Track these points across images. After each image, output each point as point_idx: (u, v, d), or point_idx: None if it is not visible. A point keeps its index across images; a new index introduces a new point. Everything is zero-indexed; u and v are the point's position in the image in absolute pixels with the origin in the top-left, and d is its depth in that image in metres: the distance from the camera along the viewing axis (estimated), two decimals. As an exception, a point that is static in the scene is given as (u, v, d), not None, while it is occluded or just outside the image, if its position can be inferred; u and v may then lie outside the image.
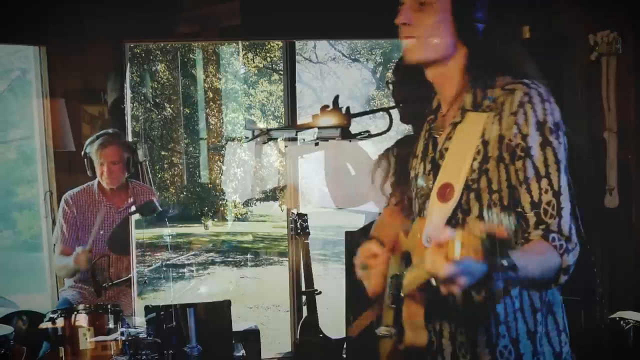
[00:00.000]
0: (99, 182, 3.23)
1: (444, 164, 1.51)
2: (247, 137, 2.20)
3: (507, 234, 1.13)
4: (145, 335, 2.48)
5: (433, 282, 1.22)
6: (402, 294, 1.51)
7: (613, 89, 3.53)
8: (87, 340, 2.55)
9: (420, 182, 1.59)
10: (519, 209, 1.42)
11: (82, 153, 3.18)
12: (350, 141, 2.25)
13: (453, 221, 1.48)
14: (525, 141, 1.41)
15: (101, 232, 3.19)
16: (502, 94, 1.46)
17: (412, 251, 1.50)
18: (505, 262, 1.16)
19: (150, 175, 3.40)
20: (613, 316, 2.91)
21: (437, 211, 1.47)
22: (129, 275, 3.09)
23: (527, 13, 3.61)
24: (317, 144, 2.23)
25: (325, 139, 2.15)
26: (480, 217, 1.47)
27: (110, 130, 3.25)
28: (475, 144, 1.45)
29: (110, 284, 2.95)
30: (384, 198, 1.82)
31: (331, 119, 2.08)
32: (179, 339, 2.50)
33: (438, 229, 1.42)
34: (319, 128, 2.10)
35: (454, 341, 1.52)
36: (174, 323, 2.50)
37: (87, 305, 2.68)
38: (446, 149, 1.52)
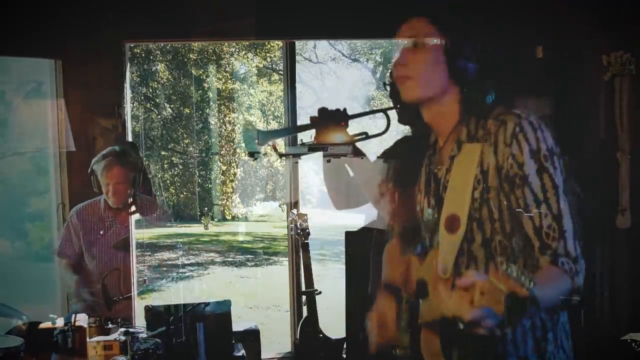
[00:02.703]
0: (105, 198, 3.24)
1: (447, 196, 1.55)
2: (259, 153, 2.18)
3: (527, 293, 1.15)
4: (152, 342, 2.47)
5: (460, 325, 1.24)
6: (419, 322, 1.55)
7: (626, 109, 3.52)
8: (91, 345, 2.54)
9: (427, 215, 1.63)
10: (523, 234, 1.45)
11: (89, 170, 3.18)
12: (362, 158, 2.25)
13: (460, 251, 1.51)
14: (522, 170, 1.45)
15: (101, 233, 3.19)
16: (494, 123, 1.50)
17: (428, 280, 1.55)
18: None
19: (157, 187, 3.41)
20: (624, 338, 2.87)
21: (447, 242, 1.51)
22: (141, 289, 3.09)
23: (541, 32, 3.61)
24: (328, 161, 2.22)
25: (337, 156, 2.15)
26: (485, 246, 1.49)
27: (117, 148, 3.23)
28: (474, 173, 1.50)
29: (121, 297, 2.95)
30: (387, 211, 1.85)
31: (339, 136, 2.07)
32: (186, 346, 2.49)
33: (452, 261, 1.47)
34: (330, 144, 2.09)
35: None
36: (184, 337, 2.49)
37: (98, 318, 2.68)
38: (448, 181, 1.56)
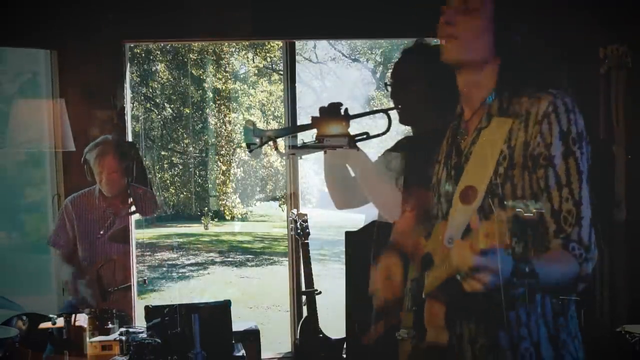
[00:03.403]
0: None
1: (468, 167, 1.52)
2: (255, 144, 2.19)
3: (532, 215, 1.16)
4: (150, 340, 2.46)
5: (458, 277, 1.23)
6: (423, 295, 1.53)
7: (622, 102, 3.52)
8: (91, 344, 2.54)
9: (446, 187, 1.61)
10: (540, 213, 1.41)
11: (82, 159, 3.15)
12: (358, 150, 2.26)
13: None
14: (548, 150, 1.43)
15: (102, 233, 3.17)
16: (529, 101, 1.48)
17: (434, 252, 1.53)
18: (526, 269, 1.19)
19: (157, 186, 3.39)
20: (618, 329, 2.87)
21: (460, 213, 1.49)
22: (138, 281, 3.09)
23: (539, 26, 3.60)
24: (325, 152, 2.23)
25: (333, 148, 2.15)
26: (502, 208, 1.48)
27: (109, 137, 3.20)
28: (500, 148, 1.47)
29: (115, 288, 2.93)
30: (398, 203, 1.84)
31: (336, 127, 2.08)
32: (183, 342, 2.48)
33: (460, 231, 1.43)
34: (327, 136, 2.10)
35: (473, 344, 1.52)
36: (179, 329, 2.48)
37: (93, 310, 2.67)
38: (471, 153, 1.54)
